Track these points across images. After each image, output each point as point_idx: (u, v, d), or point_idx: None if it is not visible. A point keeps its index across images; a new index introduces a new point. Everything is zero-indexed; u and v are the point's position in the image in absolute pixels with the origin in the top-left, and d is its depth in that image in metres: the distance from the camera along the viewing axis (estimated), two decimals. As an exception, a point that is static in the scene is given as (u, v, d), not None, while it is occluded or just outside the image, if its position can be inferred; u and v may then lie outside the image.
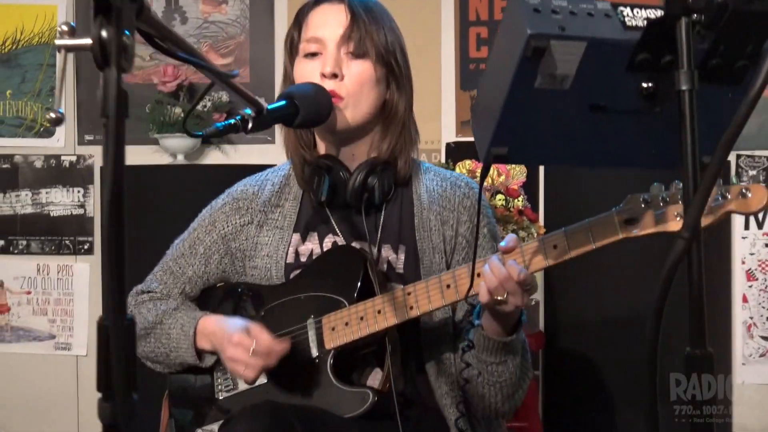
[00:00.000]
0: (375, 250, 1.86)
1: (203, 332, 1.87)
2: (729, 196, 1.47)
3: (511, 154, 1.29)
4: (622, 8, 1.22)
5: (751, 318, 3.66)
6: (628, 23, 1.21)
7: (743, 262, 3.66)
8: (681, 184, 1.48)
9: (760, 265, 3.66)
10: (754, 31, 1.16)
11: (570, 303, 3.38)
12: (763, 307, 3.65)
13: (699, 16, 1.15)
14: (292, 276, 1.89)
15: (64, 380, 3.86)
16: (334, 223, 1.91)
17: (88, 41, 0.81)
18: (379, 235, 1.89)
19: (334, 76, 1.81)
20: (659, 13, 1.19)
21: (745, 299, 3.66)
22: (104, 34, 0.80)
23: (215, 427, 1.81)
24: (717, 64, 1.21)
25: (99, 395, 0.87)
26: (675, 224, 1.50)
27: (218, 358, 1.88)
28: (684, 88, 1.13)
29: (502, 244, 1.66)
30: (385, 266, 1.87)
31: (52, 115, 0.83)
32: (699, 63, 1.17)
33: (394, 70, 1.88)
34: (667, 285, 1.13)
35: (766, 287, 3.66)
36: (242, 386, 1.88)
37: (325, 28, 1.84)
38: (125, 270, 0.84)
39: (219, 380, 1.91)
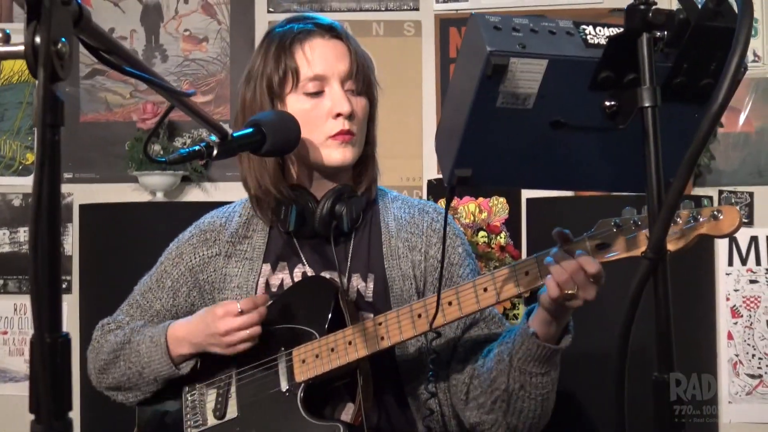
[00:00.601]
0: (345, 280, 1.83)
1: (176, 337, 1.82)
2: (701, 219, 1.45)
3: (475, 176, 1.27)
4: (584, 26, 1.21)
5: (737, 355, 3.62)
6: (590, 41, 1.20)
7: (728, 299, 3.63)
8: None
9: (744, 302, 3.63)
10: (718, 48, 1.14)
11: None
12: (749, 344, 3.62)
13: (662, 33, 1.14)
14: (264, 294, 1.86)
15: (41, 422, 3.78)
16: (303, 253, 1.88)
17: (21, 48, 0.79)
18: (348, 264, 1.86)
19: (351, 115, 1.82)
20: (621, 31, 1.17)
21: (730, 336, 3.63)
22: (37, 40, 0.78)
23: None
24: (681, 83, 1.19)
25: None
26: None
27: (193, 376, 1.84)
28: (647, 104, 1.12)
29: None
30: (355, 295, 1.84)
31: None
32: (663, 81, 1.16)
33: (375, 103, 1.91)
34: (634, 306, 1.11)
35: (751, 324, 3.62)
36: (211, 421, 1.84)
37: (326, 65, 1.82)
38: (59, 286, 0.81)
39: (188, 416, 1.87)
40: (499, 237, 3.12)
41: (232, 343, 1.75)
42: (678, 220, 1.45)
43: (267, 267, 1.89)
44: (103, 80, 3.88)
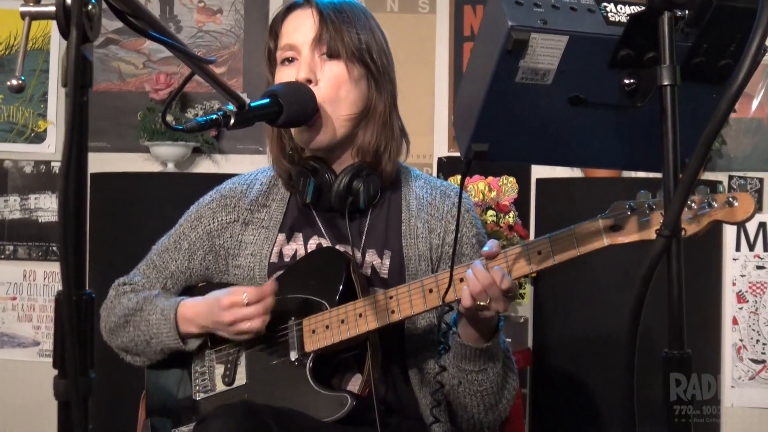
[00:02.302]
0: (359, 254, 1.84)
1: (184, 317, 1.84)
2: (716, 205, 1.45)
3: (492, 150, 1.27)
4: (605, 4, 1.21)
5: (741, 340, 3.63)
6: (611, 19, 1.20)
7: (734, 284, 3.65)
8: None
9: (750, 287, 3.64)
10: (738, 29, 1.15)
11: (559, 320, 3.35)
12: (753, 330, 3.63)
13: (683, 12, 1.14)
14: (275, 276, 1.87)
15: (48, 387, 3.76)
16: (320, 225, 1.89)
17: (51, 8, 0.80)
18: (363, 240, 1.87)
19: (309, 81, 1.80)
20: (642, 9, 1.18)
21: (735, 321, 3.64)
22: (68, 1, 0.79)
23: (191, 427, 1.78)
24: (700, 63, 1.20)
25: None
26: None
27: (203, 343, 1.86)
28: (666, 83, 1.12)
29: (485, 249, 1.64)
30: (369, 271, 1.86)
31: (14, 81, 0.81)
32: (682, 61, 1.16)
33: (371, 69, 1.86)
34: (646, 283, 1.11)
35: (756, 309, 3.63)
36: (220, 387, 1.86)
37: (298, 34, 1.84)
38: (85, 244, 0.82)
39: (197, 381, 1.89)
40: (507, 216, 3.12)
41: (238, 332, 1.77)
42: (692, 205, 1.46)
43: (282, 237, 1.90)
44: (117, 50, 3.89)
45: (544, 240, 1.61)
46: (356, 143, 1.88)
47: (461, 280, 1.66)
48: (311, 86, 1.80)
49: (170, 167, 3.73)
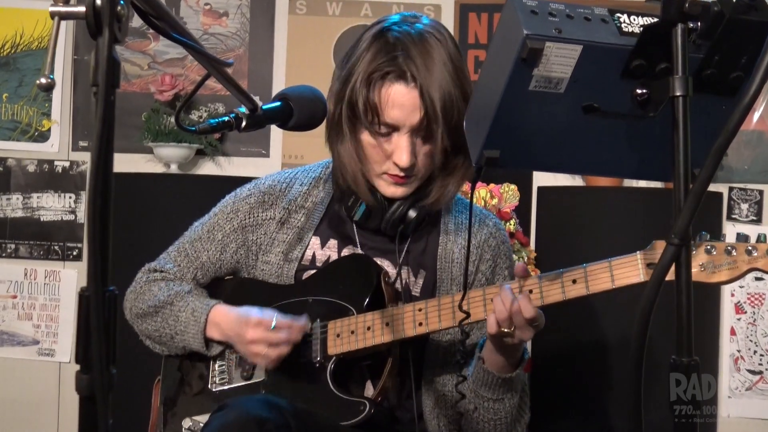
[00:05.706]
0: (402, 272, 1.87)
1: (214, 321, 1.85)
2: (756, 254, 1.47)
3: (503, 157, 1.29)
4: (619, 14, 1.23)
5: (739, 351, 3.65)
6: (625, 29, 1.22)
7: (732, 295, 3.66)
8: (708, 235, 1.49)
9: (749, 299, 3.66)
10: (750, 42, 1.17)
11: (558, 328, 3.35)
12: (751, 341, 3.65)
13: (695, 25, 1.16)
14: (304, 277, 1.88)
15: (46, 386, 3.82)
16: (356, 235, 1.91)
17: (81, 9, 0.81)
18: (401, 256, 1.88)
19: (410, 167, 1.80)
20: (656, 20, 1.19)
21: (733, 332, 3.66)
22: (98, 2, 0.80)
23: (204, 418, 1.78)
24: (712, 74, 1.21)
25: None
26: (697, 274, 1.48)
27: (224, 349, 1.87)
28: (678, 93, 1.14)
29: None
30: (401, 287, 1.87)
31: (43, 80, 0.82)
32: (694, 72, 1.18)
33: (459, 140, 1.80)
34: (655, 291, 1.13)
35: (754, 321, 3.65)
36: (237, 381, 1.87)
37: (399, 113, 1.76)
38: (109, 242, 0.84)
39: (215, 372, 1.90)
40: (508, 223, 3.13)
41: (255, 354, 1.78)
42: (733, 252, 1.48)
43: (316, 240, 1.91)
44: (122, 50, 3.89)
45: (579, 270, 1.61)
46: (422, 185, 1.88)
47: (491, 300, 1.66)
48: (405, 170, 1.79)
49: (173, 168, 3.73)
